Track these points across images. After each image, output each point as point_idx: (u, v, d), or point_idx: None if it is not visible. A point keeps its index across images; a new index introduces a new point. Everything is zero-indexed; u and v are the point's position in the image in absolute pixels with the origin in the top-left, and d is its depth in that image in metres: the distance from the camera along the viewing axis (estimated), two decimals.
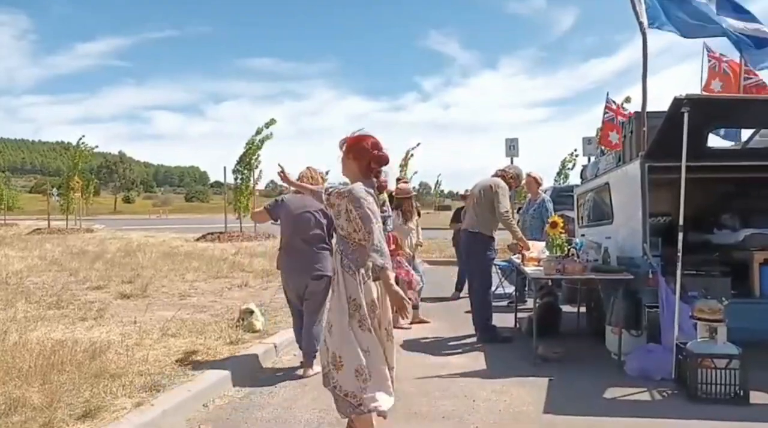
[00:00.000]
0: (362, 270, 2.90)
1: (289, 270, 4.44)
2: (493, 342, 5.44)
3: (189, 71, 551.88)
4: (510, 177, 5.89)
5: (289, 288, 4.51)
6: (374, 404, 2.90)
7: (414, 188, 8.29)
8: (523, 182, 6.63)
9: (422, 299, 8.02)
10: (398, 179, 8.64)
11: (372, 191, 2.94)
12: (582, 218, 7.18)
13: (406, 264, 6.02)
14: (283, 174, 3.51)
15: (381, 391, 2.92)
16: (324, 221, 4.36)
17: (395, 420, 3.54)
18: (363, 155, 2.95)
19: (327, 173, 4.83)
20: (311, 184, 3.91)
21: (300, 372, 4.46)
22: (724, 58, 6.66)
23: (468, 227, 5.79)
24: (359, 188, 2.90)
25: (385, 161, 3.00)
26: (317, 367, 4.19)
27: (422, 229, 8.71)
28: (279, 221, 4.53)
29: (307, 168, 4.49)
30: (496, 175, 5.92)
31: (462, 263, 8.39)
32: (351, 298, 2.91)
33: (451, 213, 9.58)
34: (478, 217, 5.69)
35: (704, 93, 6.55)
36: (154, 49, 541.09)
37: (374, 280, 2.91)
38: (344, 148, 3.01)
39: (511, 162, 13.75)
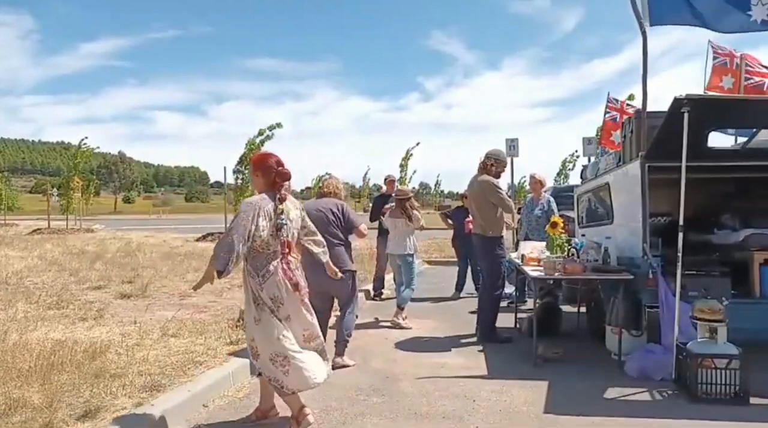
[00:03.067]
0: (260, 272, 3.26)
1: (310, 269, 4.40)
2: (492, 342, 5.45)
3: (191, 72, 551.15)
4: (491, 165, 5.70)
5: (310, 287, 4.56)
6: (296, 385, 3.30)
7: (413, 188, 8.39)
8: (506, 161, 6.18)
9: (422, 300, 8.07)
10: (391, 181, 8.59)
11: (269, 200, 3.29)
12: (582, 218, 7.18)
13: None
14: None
15: (304, 370, 3.28)
16: (338, 219, 4.68)
17: (395, 420, 3.54)
18: (269, 172, 3.33)
19: (326, 173, 5.00)
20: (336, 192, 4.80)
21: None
22: (737, 53, 6.61)
23: (475, 230, 5.81)
24: (244, 202, 3.36)
25: (287, 176, 3.38)
26: (347, 359, 4.72)
27: (422, 229, 8.81)
28: None
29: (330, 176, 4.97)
30: (478, 168, 5.80)
31: (463, 263, 8.39)
32: (256, 296, 3.28)
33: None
34: (482, 220, 5.67)
35: (708, 93, 6.54)
36: (156, 50, 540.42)
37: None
38: (251, 167, 3.47)
39: (511, 162, 13.68)
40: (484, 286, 5.78)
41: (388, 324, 6.41)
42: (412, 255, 6.65)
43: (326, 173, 5.58)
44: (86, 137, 24.36)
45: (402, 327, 6.28)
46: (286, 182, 3.40)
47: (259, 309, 3.28)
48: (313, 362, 3.39)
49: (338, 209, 4.73)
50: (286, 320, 3.32)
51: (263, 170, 3.34)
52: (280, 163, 3.37)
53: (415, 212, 6.66)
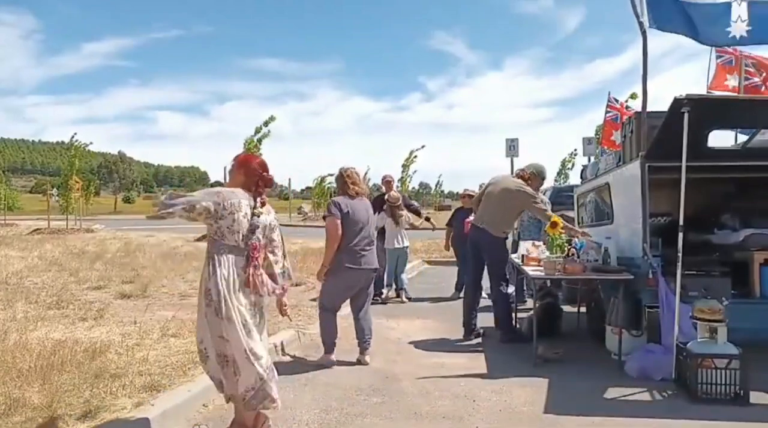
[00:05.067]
0: (212, 261, 3.05)
1: (356, 267, 4.70)
2: (518, 341, 5.38)
3: (193, 72, 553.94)
4: (528, 177, 5.82)
5: (348, 285, 4.76)
6: (243, 390, 3.03)
7: (413, 188, 8.90)
8: (543, 180, 6.25)
9: (422, 300, 8.09)
10: (388, 182, 8.58)
11: (248, 198, 3.18)
12: (582, 218, 7.18)
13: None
14: None
15: (250, 378, 3.03)
16: (373, 221, 4.96)
17: (395, 421, 3.54)
18: (252, 174, 3.23)
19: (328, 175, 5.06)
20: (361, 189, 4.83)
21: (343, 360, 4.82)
22: (746, 52, 6.62)
23: (482, 224, 5.64)
24: (224, 192, 3.13)
25: (271, 183, 3.32)
26: (368, 357, 4.84)
27: (422, 229, 9.11)
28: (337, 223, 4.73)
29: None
30: (516, 174, 5.97)
31: (467, 262, 8.33)
32: (207, 290, 3.04)
33: (450, 213, 9.56)
34: (497, 217, 5.58)
35: (711, 92, 6.54)
36: (159, 50, 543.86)
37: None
38: (235, 163, 3.31)
39: (511, 162, 13.75)
40: (496, 287, 5.62)
41: (388, 324, 6.42)
42: (406, 248, 8.04)
43: (350, 167, 5.73)
44: (75, 133, 24.37)
45: (403, 301, 7.86)
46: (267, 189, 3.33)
47: (208, 303, 3.04)
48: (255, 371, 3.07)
49: (372, 211, 4.98)
50: (236, 319, 3.03)
51: (246, 170, 3.23)
52: (265, 167, 3.30)
53: (402, 212, 7.86)
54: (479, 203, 5.90)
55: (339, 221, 4.63)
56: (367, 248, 4.78)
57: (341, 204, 4.71)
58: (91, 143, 25.22)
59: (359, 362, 4.78)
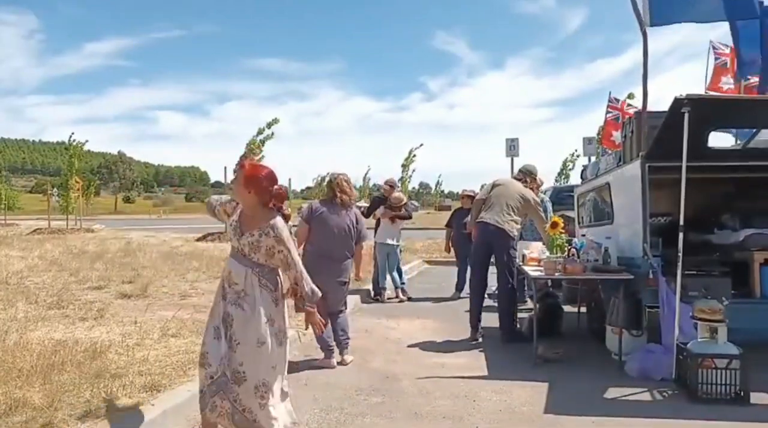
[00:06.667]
0: (279, 289, 3.05)
1: (322, 275, 4.41)
2: (518, 341, 5.38)
3: (194, 72, 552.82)
4: (537, 187, 6.38)
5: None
6: (272, 421, 2.94)
7: (414, 188, 9.16)
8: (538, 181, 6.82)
9: (422, 300, 8.10)
10: (386, 189, 8.60)
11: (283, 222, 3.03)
12: (582, 218, 7.18)
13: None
14: None
15: (280, 406, 3.03)
16: (353, 231, 4.80)
17: (395, 420, 3.54)
18: (263, 192, 2.97)
19: (341, 174, 5.00)
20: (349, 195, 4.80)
21: (335, 361, 4.76)
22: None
23: (498, 223, 5.61)
24: (282, 226, 2.96)
25: (284, 198, 3.07)
26: (349, 356, 4.85)
27: (422, 229, 9.15)
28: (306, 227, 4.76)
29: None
30: (519, 179, 6.16)
31: (463, 264, 8.35)
32: (269, 316, 3.01)
33: (449, 213, 9.59)
34: (513, 216, 5.64)
35: (708, 93, 6.56)
36: (159, 50, 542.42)
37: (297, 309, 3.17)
38: (241, 178, 2.98)
39: (511, 162, 13.75)
40: (503, 284, 5.62)
41: (388, 324, 6.42)
42: (397, 246, 8.18)
43: (341, 174, 5.48)
44: (73, 133, 24.32)
45: (402, 300, 7.99)
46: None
47: (271, 332, 3.01)
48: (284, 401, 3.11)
49: (354, 221, 4.82)
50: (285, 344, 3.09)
51: (255, 188, 2.95)
52: (274, 180, 3.03)
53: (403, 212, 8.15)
54: (482, 203, 5.84)
55: (306, 225, 4.72)
56: (335, 259, 4.69)
57: (313, 208, 4.77)
58: (87, 142, 25.01)
59: (340, 363, 4.76)
